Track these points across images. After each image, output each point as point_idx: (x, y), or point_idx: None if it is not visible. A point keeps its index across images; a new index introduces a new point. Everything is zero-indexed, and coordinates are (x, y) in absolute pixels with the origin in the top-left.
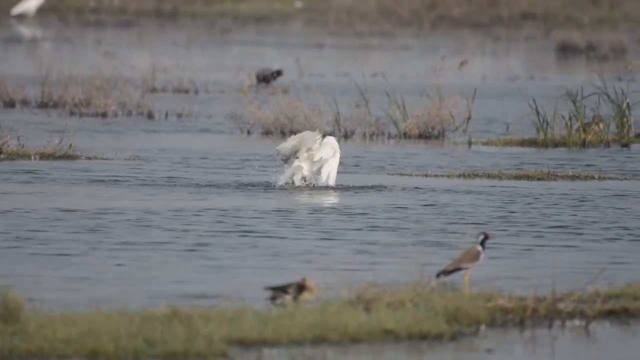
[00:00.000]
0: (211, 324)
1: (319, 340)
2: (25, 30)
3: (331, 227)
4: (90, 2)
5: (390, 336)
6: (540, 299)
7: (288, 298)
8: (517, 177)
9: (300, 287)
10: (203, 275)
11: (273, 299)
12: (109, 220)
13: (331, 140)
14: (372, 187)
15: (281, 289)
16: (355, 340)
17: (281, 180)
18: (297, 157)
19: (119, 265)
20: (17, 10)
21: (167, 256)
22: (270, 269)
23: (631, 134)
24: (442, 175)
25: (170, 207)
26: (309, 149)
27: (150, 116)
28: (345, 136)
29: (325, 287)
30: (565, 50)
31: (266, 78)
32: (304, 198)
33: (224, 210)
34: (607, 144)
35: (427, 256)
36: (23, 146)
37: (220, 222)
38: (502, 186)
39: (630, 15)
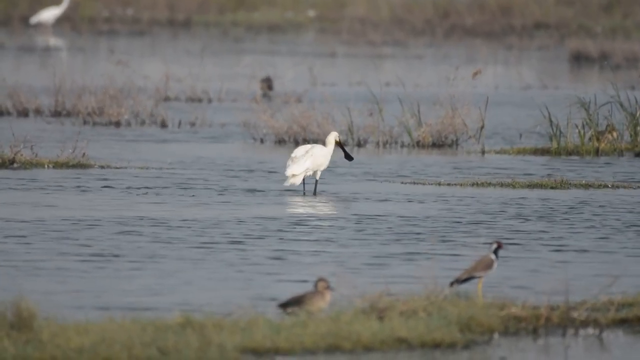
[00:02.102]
0: (224, 332)
1: (332, 349)
2: (40, 40)
3: (338, 235)
4: (104, 12)
5: (403, 345)
6: (554, 307)
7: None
8: (531, 186)
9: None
10: (159, 286)
11: (285, 307)
12: (94, 230)
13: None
14: (384, 194)
15: (294, 302)
16: (368, 349)
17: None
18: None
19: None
20: (35, 19)
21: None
22: (265, 278)
23: None
24: (455, 184)
25: (160, 216)
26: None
27: (163, 125)
28: (358, 145)
29: (339, 296)
30: (578, 60)
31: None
32: (314, 206)
33: (218, 220)
34: (621, 153)
35: (438, 264)
36: (37, 155)
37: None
38: (516, 195)
39: None
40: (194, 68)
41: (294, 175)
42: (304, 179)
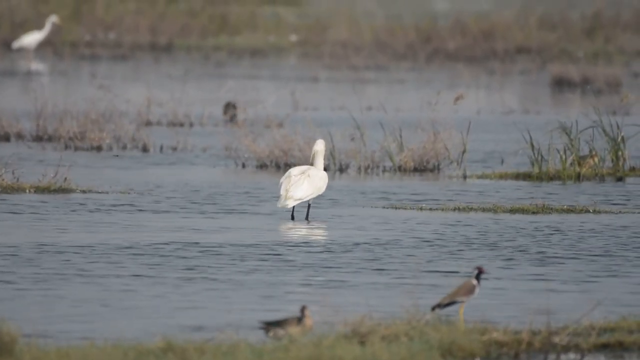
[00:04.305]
0: (206, 357)
1: None
2: (22, 64)
3: (314, 261)
4: (86, 36)
5: None
6: (536, 332)
7: (281, 332)
8: (512, 211)
9: (299, 319)
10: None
11: (267, 330)
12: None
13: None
14: (364, 219)
15: (277, 325)
16: None
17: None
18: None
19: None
20: (17, 44)
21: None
22: (233, 305)
23: (626, 168)
24: (436, 209)
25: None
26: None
27: (145, 149)
28: (340, 169)
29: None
30: (560, 84)
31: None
32: (292, 232)
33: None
34: (602, 178)
35: (419, 289)
36: (18, 180)
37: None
38: (497, 220)
39: (624, 49)
40: (176, 92)
41: (294, 200)
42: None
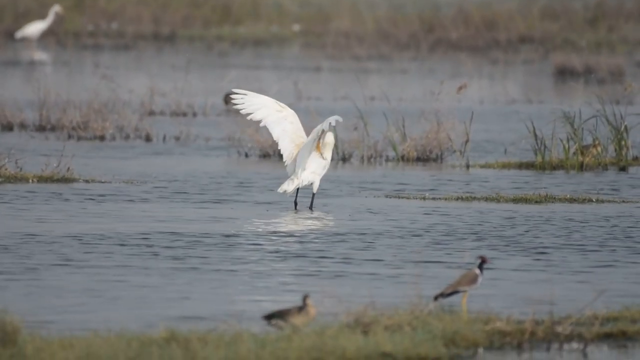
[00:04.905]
0: (209, 347)
1: None
2: (25, 54)
3: (312, 251)
4: (89, 26)
5: (388, 359)
6: (539, 321)
7: (284, 322)
8: (515, 200)
9: (301, 308)
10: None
11: (269, 319)
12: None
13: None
14: (368, 210)
15: (279, 315)
16: None
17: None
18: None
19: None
20: (20, 33)
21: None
22: (225, 294)
23: (629, 157)
24: (440, 198)
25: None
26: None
27: (148, 139)
28: (343, 159)
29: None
30: (563, 74)
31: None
32: (294, 222)
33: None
34: (605, 167)
35: (421, 281)
36: (21, 169)
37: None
38: (500, 209)
39: (628, 38)
40: (179, 82)
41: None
42: (297, 191)
